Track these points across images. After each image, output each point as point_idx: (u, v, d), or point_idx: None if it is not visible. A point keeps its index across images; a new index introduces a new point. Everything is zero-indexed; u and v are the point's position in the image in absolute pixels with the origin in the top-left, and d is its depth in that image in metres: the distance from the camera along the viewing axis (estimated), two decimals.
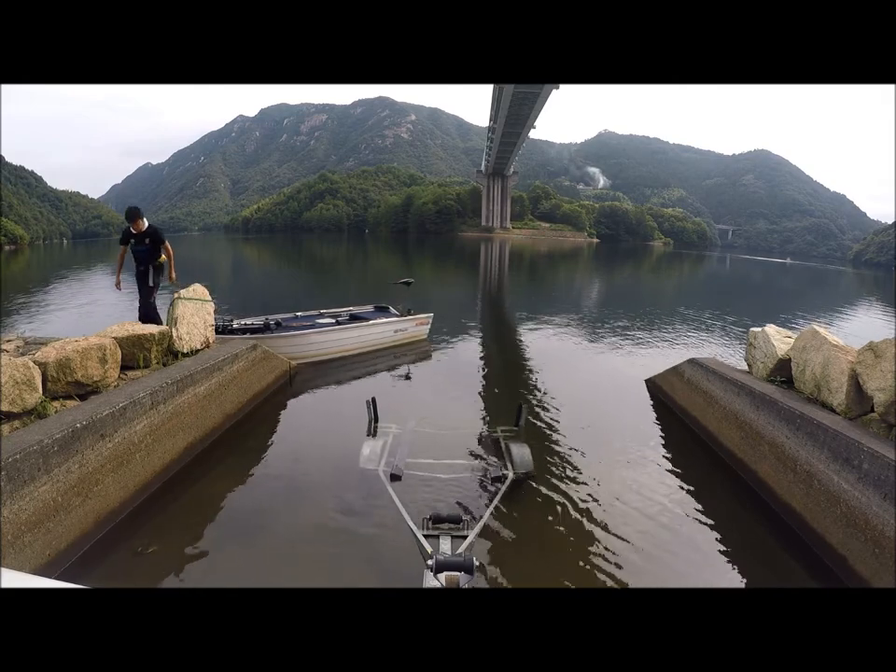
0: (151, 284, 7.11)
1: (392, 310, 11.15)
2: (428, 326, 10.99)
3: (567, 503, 4.68)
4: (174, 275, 7.34)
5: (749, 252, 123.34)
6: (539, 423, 6.59)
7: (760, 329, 6.26)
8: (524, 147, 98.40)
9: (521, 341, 12.40)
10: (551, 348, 11.46)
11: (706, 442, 6.15)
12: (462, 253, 52.60)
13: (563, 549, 4.07)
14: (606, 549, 4.01)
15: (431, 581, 3.09)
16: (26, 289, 19.19)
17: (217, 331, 7.29)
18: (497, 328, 14.60)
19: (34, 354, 4.40)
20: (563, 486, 4.97)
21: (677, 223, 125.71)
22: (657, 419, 7.10)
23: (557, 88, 66.45)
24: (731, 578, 3.79)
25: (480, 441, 5.93)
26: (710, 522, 4.49)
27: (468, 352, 10.82)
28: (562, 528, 4.32)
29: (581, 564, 3.86)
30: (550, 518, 4.47)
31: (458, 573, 3.09)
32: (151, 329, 5.58)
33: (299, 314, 10.29)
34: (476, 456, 5.50)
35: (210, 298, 6.87)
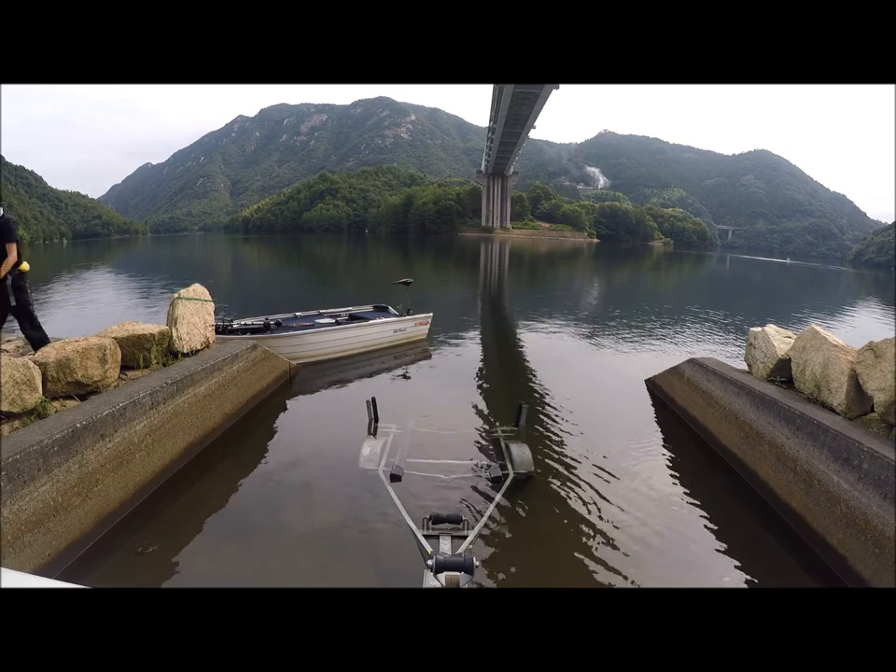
0: (13, 301, 5.01)
1: (391, 310, 11.16)
2: (428, 326, 10.99)
3: (567, 503, 4.68)
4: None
5: (749, 252, 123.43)
6: (538, 423, 6.59)
7: (760, 329, 6.26)
8: (524, 147, 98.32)
9: (521, 340, 12.40)
10: (551, 348, 11.46)
11: (705, 442, 6.15)
12: (462, 253, 52.61)
13: (563, 549, 4.07)
14: (606, 549, 4.01)
15: (431, 581, 3.09)
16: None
17: (217, 331, 7.29)
18: (497, 327, 14.60)
19: (34, 354, 4.41)
20: (563, 486, 4.97)
21: (677, 223, 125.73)
22: (657, 419, 7.10)
23: (557, 88, 66.50)
24: (731, 578, 3.79)
25: (480, 441, 5.93)
26: (710, 522, 4.49)
27: (468, 352, 10.82)
28: (562, 528, 4.32)
29: (581, 564, 3.86)
30: (550, 518, 4.47)
31: (458, 573, 3.09)
32: (151, 328, 5.58)
33: (298, 314, 10.29)
34: (476, 456, 5.50)
35: (210, 298, 6.86)
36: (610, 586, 3.60)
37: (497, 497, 4.43)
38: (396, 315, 10.73)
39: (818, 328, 5.28)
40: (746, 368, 6.45)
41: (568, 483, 5.04)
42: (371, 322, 10.03)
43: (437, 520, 3.84)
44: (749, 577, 3.79)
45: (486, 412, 7.02)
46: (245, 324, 8.95)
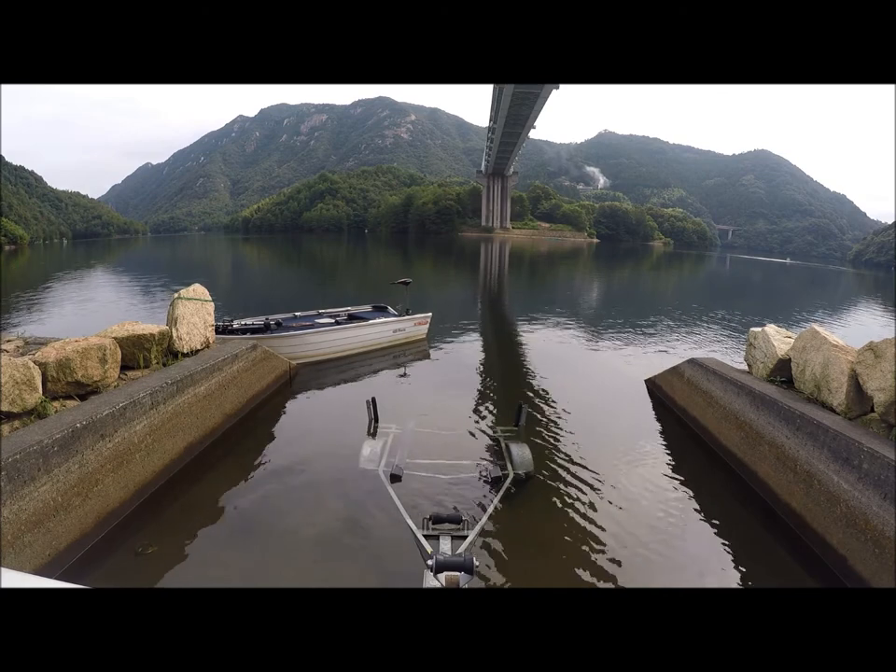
0: None
1: (390, 310, 11.17)
2: (427, 325, 10.99)
3: (567, 503, 4.68)
4: None
5: (749, 252, 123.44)
6: (539, 423, 6.59)
7: (760, 329, 6.26)
8: (524, 147, 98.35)
9: (521, 340, 12.40)
10: (551, 348, 11.46)
11: (705, 442, 6.15)
12: (462, 253, 52.62)
13: (563, 549, 4.07)
14: (606, 549, 4.02)
15: (431, 581, 3.09)
16: (26, 289, 19.19)
17: (217, 331, 7.29)
18: (496, 327, 14.60)
19: (34, 354, 4.41)
20: (563, 486, 4.97)
21: (677, 223, 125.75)
22: (657, 419, 7.10)
23: (557, 88, 66.55)
24: (731, 578, 3.79)
25: (480, 441, 5.93)
26: (710, 522, 4.49)
27: (468, 352, 10.82)
28: (562, 528, 4.32)
29: (581, 564, 3.86)
30: (550, 518, 4.47)
31: (458, 573, 3.09)
32: (151, 328, 5.58)
33: (297, 314, 10.30)
34: (476, 456, 5.50)
35: (210, 298, 6.86)
36: (610, 586, 3.60)
37: (497, 497, 4.43)
38: (395, 315, 10.74)
39: (818, 328, 5.28)
40: (746, 368, 6.45)
41: (568, 484, 5.04)
42: (370, 322, 10.03)
43: (437, 520, 3.84)
44: (749, 577, 3.79)
45: (486, 412, 7.02)
46: (245, 324, 8.96)
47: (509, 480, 4.74)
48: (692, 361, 7.24)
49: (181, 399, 5.17)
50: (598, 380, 9.20)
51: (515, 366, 10.14)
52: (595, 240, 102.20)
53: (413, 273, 23.28)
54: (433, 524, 3.83)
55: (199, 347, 6.40)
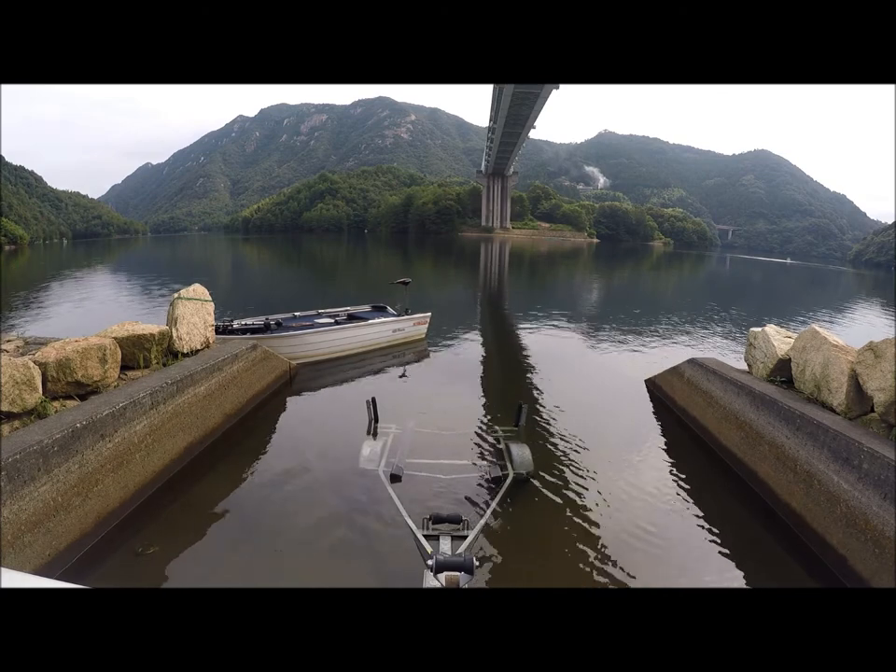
0: None
1: (389, 309, 11.17)
2: (426, 325, 11.00)
3: (567, 503, 4.68)
4: None
5: (749, 252, 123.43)
6: (538, 423, 6.59)
7: (760, 329, 6.26)
8: (524, 147, 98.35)
9: (521, 340, 12.40)
10: (551, 348, 11.46)
11: (706, 442, 6.15)
12: (462, 253, 52.62)
13: (563, 549, 4.07)
14: (606, 549, 4.02)
15: (431, 581, 3.09)
16: (26, 289, 19.19)
17: (217, 331, 7.29)
18: (496, 327, 14.60)
19: (34, 354, 4.41)
20: (563, 486, 4.97)
21: (677, 223, 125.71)
22: (657, 419, 7.10)
23: (557, 88, 66.54)
24: (731, 578, 3.79)
25: (480, 441, 5.93)
26: (710, 522, 4.49)
27: (468, 352, 10.82)
28: (562, 528, 4.32)
29: (581, 564, 3.86)
30: (550, 518, 4.47)
31: (458, 573, 3.09)
32: (151, 328, 5.58)
33: (297, 313, 10.31)
34: (476, 456, 5.50)
35: (210, 298, 6.87)
36: (610, 586, 3.60)
37: (497, 497, 4.43)
38: (394, 315, 10.74)
39: (818, 328, 5.28)
40: (746, 368, 6.45)
41: (568, 483, 5.03)
42: (370, 322, 10.04)
43: (437, 520, 3.84)
44: (749, 577, 3.79)
45: (486, 412, 7.02)
46: (246, 324, 8.96)
47: (509, 480, 4.74)
48: (692, 361, 7.24)
49: (181, 398, 5.17)
50: (598, 380, 9.20)
51: (515, 366, 10.14)
52: (595, 240, 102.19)
53: (413, 272, 23.28)
54: (433, 524, 3.83)
55: (199, 347, 6.40)
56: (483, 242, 74.86)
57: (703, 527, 4.42)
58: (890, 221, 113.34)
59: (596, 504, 4.67)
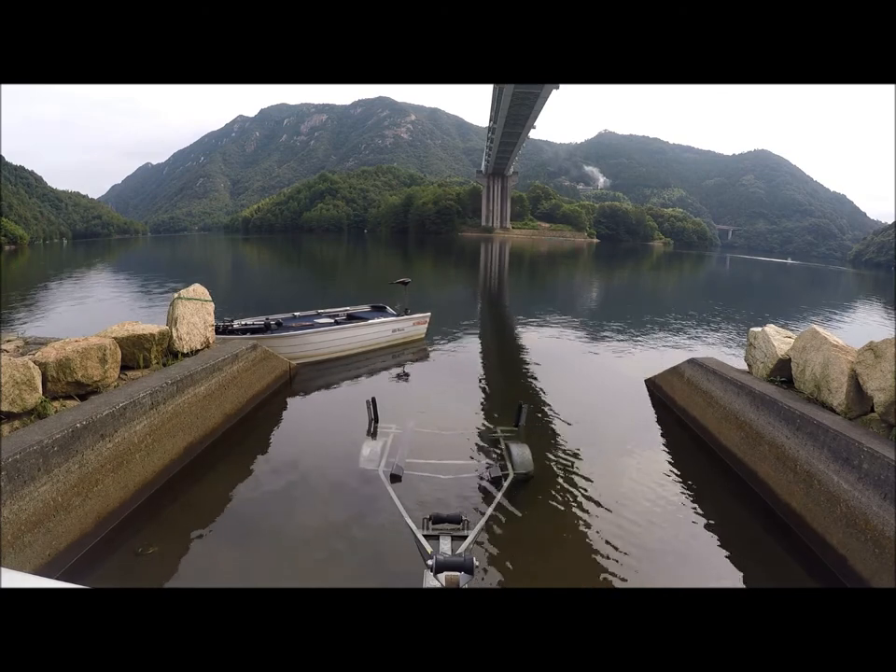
0: None
1: (389, 309, 11.18)
2: (426, 325, 11.00)
3: (566, 503, 4.68)
4: None
5: (749, 252, 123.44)
6: (539, 423, 6.59)
7: (760, 330, 6.26)
8: (524, 147, 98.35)
9: (521, 340, 12.40)
10: (551, 348, 11.46)
11: (706, 442, 6.15)
12: (462, 253, 52.63)
13: (563, 549, 4.07)
14: (606, 549, 4.02)
15: (431, 581, 3.09)
16: (26, 289, 19.19)
17: (217, 331, 7.29)
18: (496, 327, 14.60)
19: (34, 354, 4.41)
20: (563, 486, 4.97)
21: (677, 223, 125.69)
22: (657, 419, 7.10)
23: (557, 88, 66.58)
24: (731, 578, 3.79)
25: (480, 441, 5.93)
26: (710, 522, 4.49)
27: (468, 352, 10.82)
28: (562, 528, 4.32)
29: (581, 564, 3.86)
30: (550, 518, 4.47)
31: (458, 573, 3.09)
32: (151, 328, 5.58)
33: (297, 313, 10.31)
34: (476, 456, 5.50)
35: (210, 298, 6.87)
36: (610, 586, 3.60)
37: (497, 497, 4.43)
38: (393, 315, 10.75)
39: (818, 328, 5.28)
40: (746, 368, 6.45)
41: (568, 483, 5.04)
42: (369, 322, 10.04)
43: (437, 520, 3.84)
44: (749, 577, 3.79)
45: (486, 412, 7.02)
46: (246, 324, 8.97)
47: (509, 480, 4.74)
48: (692, 361, 7.24)
49: (181, 398, 5.17)
50: (598, 380, 9.20)
51: (515, 366, 10.14)
52: (595, 240, 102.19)
53: (413, 272, 23.28)
54: (433, 524, 3.82)
55: (199, 347, 6.40)
56: (482, 242, 74.87)
57: (703, 527, 4.42)
58: (890, 221, 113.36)
59: (596, 504, 4.67)
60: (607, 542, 4.10)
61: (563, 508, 4.60)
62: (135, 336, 5.34)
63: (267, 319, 9.27)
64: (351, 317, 10.43)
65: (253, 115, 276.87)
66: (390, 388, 8.04)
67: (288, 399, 7.38)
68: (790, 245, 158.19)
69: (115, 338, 5.09)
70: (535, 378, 9.08)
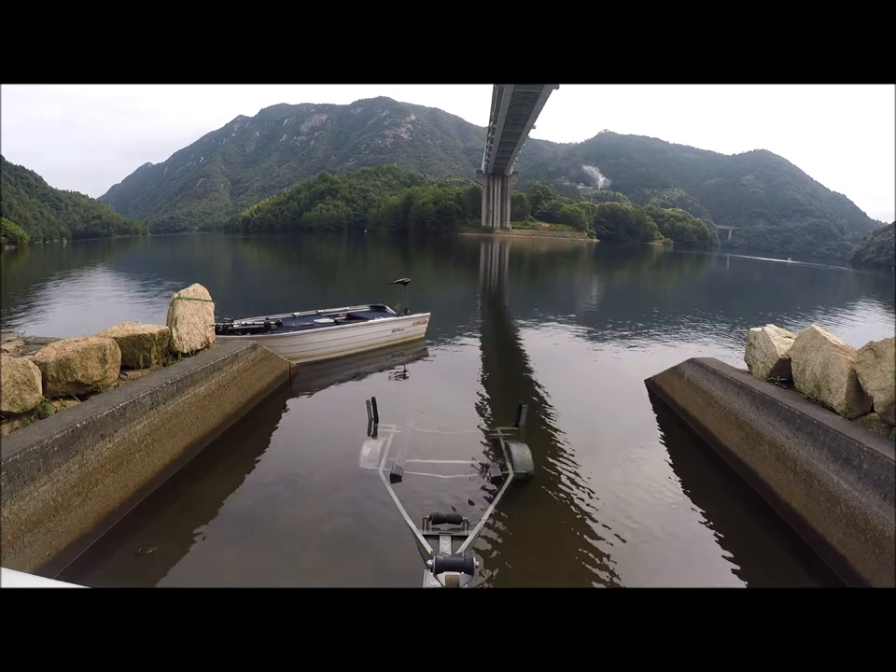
0: None
1: (388, 309, 11.19)
2: (426, 325, 11.00)
3: (566, 503, 4.68)
4: None
5: (749, 252, 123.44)
6: (539, 423, 6.59)
7: (760, 330, 6.26)
8: (524, 147, 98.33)
9: (521, 340, 12.40)
10: (551, 348, 11.46)
11: (706, 443, 6.15)
12: (462, 253, 52.63)
13: (563, 549, 4.07)
14: (606, 549, 4.02)
15: (431, 581, 3.09)
16: (26, 289, 19.19)
17: (217, 331, 7.29)
18: (496, 327, 14.60)
19: (34, 354, 4.41)
20: (563, 486, 4.97)
21: (677, 223, 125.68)
22: (657, 419, 7.10)
23: (557, 88, 66.55)
24: (731, 578, 3.79)
25: (480, 441, 5.93)
26: (710, 522, 4.49)
27: (468, 351, 10.82)
28: (562, 528, 4.32)
29: (581, 564, 3.86)
30: (550, 518, 4.47)
31: (458, 573, 3.09)
32: (151, 329, 5.58)
33: (297, 313, 10.31)
34: (476, 456, 5.50)
35: (210, 298, 6.87)
36: (610, 586, 3.60)
37: (497, 497, 4.42)
38: (393, 315, 10.75)
39: (818, 328, 5.28)
40: (746, 368, 6.45)
41: (568, 483, 5.04)
42: (370, 322, 10.05)
43: (437, 520, 3.84)
44: (749, 577, 3.79)
45: (486, 412, 7.02)
46: (245, 324, 8.97)
47: (509, 480, 4.74)
48: (692, 361, 7.24)
49: (181, 398, 5.17)
50: (598, 380, 9.20)
51: (515, 366, 10.14)
52: (595, 240, 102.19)
53: (413, 272, 23.28)
54: (433, 524, 3.82)
55: (199, 347, 6.40)
56: (482, 242, 74.87)
57: (703, 527, 4.42)
58: (890, 221, 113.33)
59: (596, 504, 4.67)
60: (607, 542, 4.10)
61: (563, 508, 4.60)
62: (135, 336, 5.34)
63: (267, 319, 9.27)
64: (351, 317, 10.44)
65: (253, 115, 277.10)
66: (390, 388, 8.04)
67: (288, 399, 7.38)
68: (790, 245, 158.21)
69: (115, 338, 5.09)
70: (535, 378, 9.08)
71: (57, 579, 2.44)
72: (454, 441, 5.87)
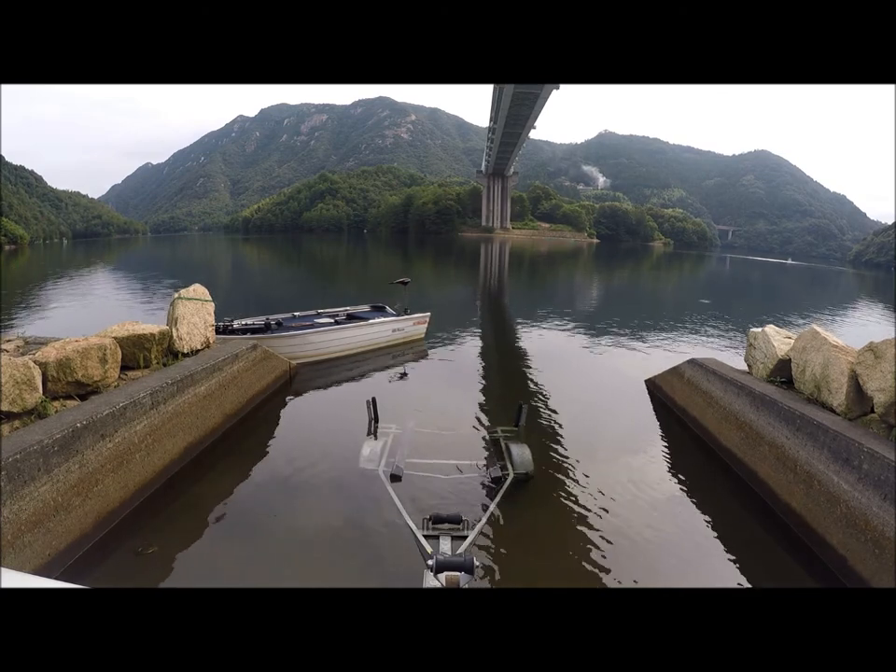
0: None
1: (388, 309, 11.19)
2: (426, 325, 11.01)
3: (567, 503, 4.68)
4: None
5: (749, 252, 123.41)
6: (539, 423, 6.59)
7: (760, 330, 6.26)
8: (524, 147, 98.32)
9: (521, 340, 12.40)
10: (551, 348, 11.46)
11: (706, 443, 6.15)
12: (462, 253, 52.63)
13: (563, 549, 4.07)
14: (606, 549, 4.01)
15: (431, 581, 3.09)
16: (26, 289, 19.19)
17: (217, 331, 7.29)
18: (496, 327, 14.60)
19: (34, 354, 4.41)
20: (563, 486, 4.97)
21: (677, 223, 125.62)
22: (657, 419, 7.10)
23: (557, 88, 66.54)
24: (731, 578, 3.79)
25: (480, 441, 5.93)
26: (710, 522, 4.49)
27: (468, 352, 10.82)
28: (562, 528, 4.32)
29: (581, 564, 3.86)
30: (550, 518, 4.47)
31: (458, 573, 3.10)
32: (152, 328, 5.58)
33: (297, 313, 10.32)
34: (476, 456, 5.50)
35: (210, 298, 6.86)
36: (610, 586, 3.60)
37: (497, 497, 4.42)
38: (393, 315, 10.76)
39: (818, 328, 5.28)
40: (746, 368, 6.45)
41: (568, 483, 5.04)
42: (370, 322, 10.05)
43: (437, 520, 3.84)
44: (749, 577, 3.79)
45: (486, 412, 7.02)
46: (246, 324, 8.97)
47: (509, 480, 4.74)
48: (692, 361, 7.24)
49: (181, 398, 5.17)
50: (598, 380, 9.20)
51: (515, 366, 10.14)
52: (596, 240, 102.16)
53: (413, 272, 23.28)
54: (433, 524, 3.82)
55: (199, 347, 6.40)
56: (483, 242, 74.88)
57: (703, 527, 4.42)
58: (890, 222, 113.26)
59: (596, 504, 4.67)
60: (607, 542, 4.10)
61: (563, 508, 4.60)
62: (136, 336, 5.34)
63: (267, 319, 9.28)
64: (351, 317, 10.44)
65: (253, 115, 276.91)
66: (390, 388, 8.04)
67: (288, 399, 7.38)
68: (790, 245, 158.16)
69: (115, 338, 5.09)
70: (535, 378, 9.08)
71: (57, 579, 2.44)
72: (454, 441, 5.87)
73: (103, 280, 24.71)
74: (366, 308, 11.34)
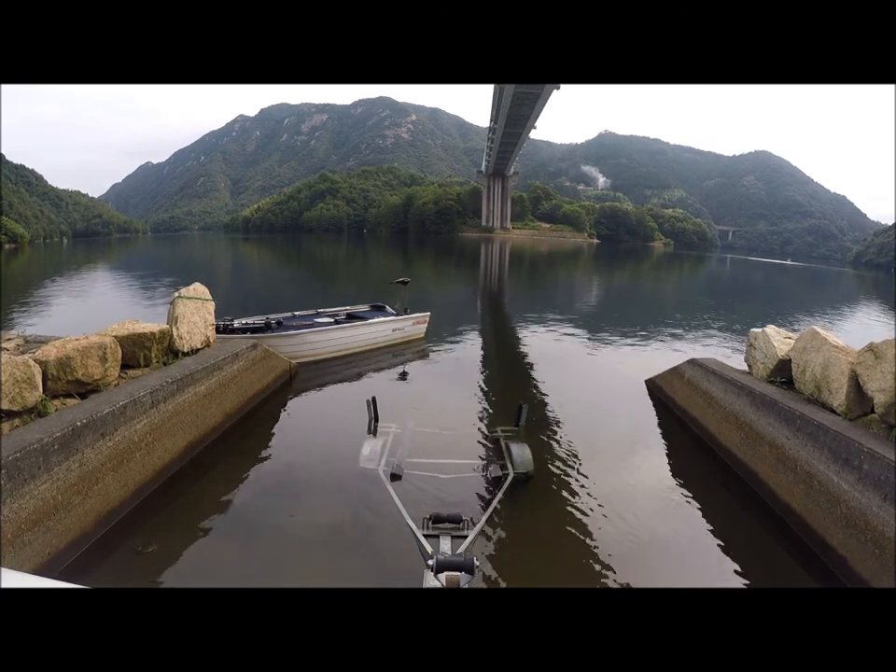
0: None
1: (389, 309, 11.19)
2: (426, 325, 11.01)
3: (567, 503, 4.68)
4: None
5: (750, 253, 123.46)
6: (539, 423, 6.59)
7: (760, 330, 6.26)
8: (524, 147, 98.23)
9: (521, 340, 12.40)
10: (551, 348, 11.46)
11: (706, 443, 6.15)
12: (462, 253, 52.62)
13: (563, 549, 4.07)
14: (606, 549, 4.01)
15: (431, 581, 3.09)
16: (26, 288, 19.19)
17: (217, 331, 7.29)
18: (496, 327, 14.60)
19: (34, 352, 4.41)
20: (563, 486, 4.97)
21: (677, 224, 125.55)
22: (657, 419, 7.10)
23: (557, 88, 66.43)
24: (731, 578, 3.79)
25: (480, 441, 5.93)
26: (710, 522, 4.49)
27: (468, 351, 10.82)
28: (562, 528, 4.32)
29: (581, 564, 3.86)
30: (550, 518, 4.47)
31: (458, 573, 3.09)
32: (152, 327, 5.58)
33: (297, 313, 10.32)
34: (476, 456, 5.50)
35: (210, 297, 6.86)
36: (610, 586, 3.60)
37: (497, 497, 4.42)
38: (393, 314, 10.76)
39: (818, 328, 5.28)
40: (746, 368, 6.45)
41: (568, 483, 5.04)
42: (369, 321, 10.06)
43: (437, 520, 3.84)
44: (749, 577, 3.79)
45: (486, 412, 7.03)
46: (246, 323, 8.98)
47: (509, 480, 4.74)
48: (692, 361, 7.24)
49: (181, 397, 5.17)
50: (598, 380, 9.20)
51: (515, 366, 10.14)
52: (596, 240, 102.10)
53: (413, 272, 23.27)
54: (433, 523, 3.82)
55: (199, 346, 6.40)
56: (483, 242, 74.87)
57: (703, 528, 4.42)
58: (891, 222, 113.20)
59: (596, 504, 4.67)
60: (607, 542, 4.10)
61: (563, 508, 4.60)
62: (136, 335, 5.34)
63: (267, 318, 9.28)
64: (351, 317, 10.44)
65: (253, 114, 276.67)
66: (390, 388, 8.04)
67: (288, 399, 7.38)
68: (790, 246, 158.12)
69: (115, 336, 5.09)
70: (535, 378, 9.08)
71: (56, 578, 2.44)
72: (454, 441, 5.87)
73: (103, 279, 24.72)
74: (366, 308, 11.34)
